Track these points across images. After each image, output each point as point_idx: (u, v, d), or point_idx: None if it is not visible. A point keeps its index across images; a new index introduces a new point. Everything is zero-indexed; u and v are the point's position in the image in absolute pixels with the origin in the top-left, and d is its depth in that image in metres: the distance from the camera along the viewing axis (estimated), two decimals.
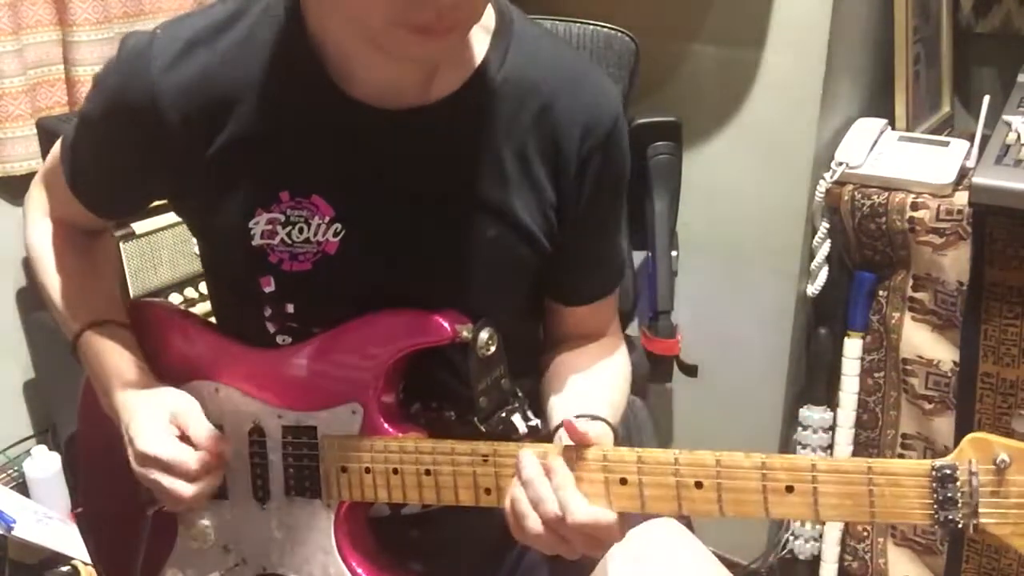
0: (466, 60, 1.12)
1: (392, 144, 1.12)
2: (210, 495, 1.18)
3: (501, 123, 1.14)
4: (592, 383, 1.24)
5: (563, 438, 1.07)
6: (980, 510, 0.94)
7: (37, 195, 1.34)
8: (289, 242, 1.14)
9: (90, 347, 1.24)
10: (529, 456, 1.06)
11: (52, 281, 1.29)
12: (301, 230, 1.14)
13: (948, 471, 0.95)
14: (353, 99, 1.10)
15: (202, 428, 1.17)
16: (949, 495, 0.95)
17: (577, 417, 1.11)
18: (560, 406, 1.19)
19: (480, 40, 1.13)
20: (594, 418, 1.13)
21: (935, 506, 0.95)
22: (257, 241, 1.15)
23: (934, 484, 0.95)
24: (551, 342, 1.32)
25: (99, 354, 1.24)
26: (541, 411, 1.23)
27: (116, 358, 1.23)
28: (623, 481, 1.04)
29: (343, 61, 1.09)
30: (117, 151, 1.18)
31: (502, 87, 1.13)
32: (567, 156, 1.15)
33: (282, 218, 1.14)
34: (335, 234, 1.14)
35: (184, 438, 1.16)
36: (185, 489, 1.14)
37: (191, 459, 1.14)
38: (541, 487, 1.03)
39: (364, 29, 1.01)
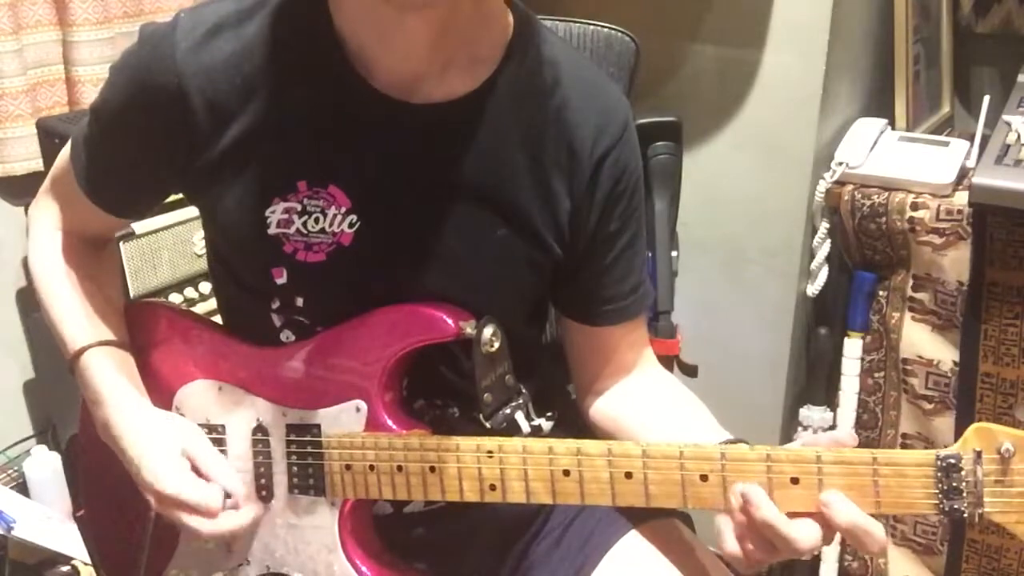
0: (485, 60, 1.13)
1: (411, 138, 1.12)
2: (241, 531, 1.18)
3: (517, 124, 1.14)
4: (694, 412, 1.25)
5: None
6: (985, 499, 0.95)
7: (43, 206, 1.32)
8: (305, 232, 1.14)
9: (87, 371, 1.23)
10: (760, 494, 1.00)
11: (52, 299, 1.27)
12: (317, 220, 1.14)
13: (952, 460, 0.95)
14: (375, 90, 1.10)
15: (218, 463, 1.17)
16: (954, 484, 0.95)
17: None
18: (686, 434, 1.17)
19: (500, 42, 1.14)
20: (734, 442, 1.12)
21: (940, 496, 0.96)
22: (273, 230, 1.14)
23: (939, 474, 0.96)
24: (587, 381, 1.31)
25: (94, 380, 1.22)
26: (542, 413, 1.24)
27: (117, 384, 1.21)
28: (628, 475, 1.04)
29: (364, 52, 1.10)
30: (137, 137, 1.16)
31: (519, 89, 1.14)
32: (581, 157, 1.16)
33: (299, 207, 1.13)
34: (350, 225, 1.13)
35: (195, 470, 1.16)
36: (204, 527, 1.14)
37: (215, 500, 1.14)
38: (788, 526, 0.98)
39: None
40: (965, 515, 0.96)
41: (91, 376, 1.22)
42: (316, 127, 1.12)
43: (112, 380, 1.21)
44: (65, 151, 1.27)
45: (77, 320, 1.25)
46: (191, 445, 1.17)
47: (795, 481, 0.99)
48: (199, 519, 1.13)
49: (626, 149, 1.19)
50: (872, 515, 0.98)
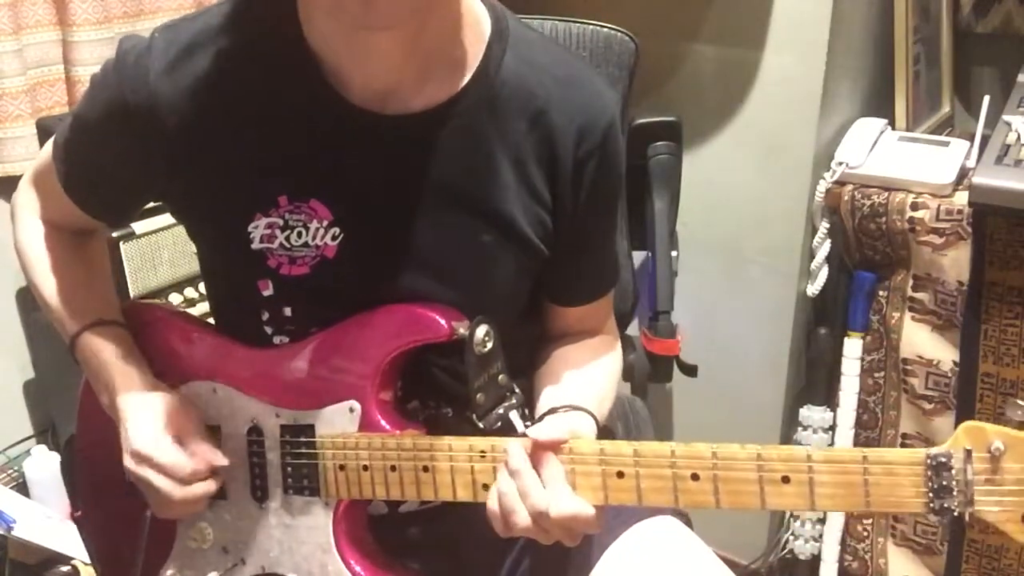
0: (463, 65, 1.13)
1: (390, 149, 1.12)
2: (202, 505, 1.19)
3: (497, 128, 1.14)
4: (581, 376, 1.25)
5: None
6: (975, 498, 0.95)
7: (26, 196, 1.34)
8: (288, 246, 1.15)
9: (89, 348, 1.24)
10: (516, 446, 1.07)
11: (46, 283, 1.29)
12: (300, 234, 1.14)
13: (943, 459, 0.95)
14: (351, 104, 1.11)
15: (199, 437, 1.18)
16: (944, 483, 0.95)
17: (560, 408, 1.14)
18: (548, 397, 1.20)
19: (476, 45, 1.14)
20: (576, 408, 1.15)
21: (930, 494, 0.96)
22: (256, 245, 1.15)
23: (929, 472, 0.96)
24: (547, 338, 1.33)
25: (99, 355, 1.23)
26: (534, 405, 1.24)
27: (116, 359, 1.23)
28: (620, 474, 1.05)
29: (338, 66, 1.10)
30: (114, 155, 1.18)
31: (498, 92, 1.14)
32: (563, 159, 1.16)
33: (281, 222, 1.14)
34: (333, 238, 1.14)
35: (180, 443, 1.16)
36: (175, 491, 1.14)
37: (184, 464, 1.14)
38: (528, 478, 1.05)
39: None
40: (955, 513, 0.96)
41: (92, 355, 1.24)
42: (294, 142, 1.13)
43: (113, 357, 1.23)
44: (48, 147, 1.27)
45: (72, 303, 1.27)
46: (179, 417, 1.18)
47: (786, 480, 1.00)
48: (169, 482, 1.14)
49: (609, 150, 1.18)
50: (862, 513, 0.99)
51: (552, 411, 1.15)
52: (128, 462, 1.16)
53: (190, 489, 1.15)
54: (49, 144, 1.27)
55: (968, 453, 0.95)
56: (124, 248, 1.98)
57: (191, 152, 1.13)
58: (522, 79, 1.14)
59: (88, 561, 1.99)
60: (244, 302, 1.19)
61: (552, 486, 1.05)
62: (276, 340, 1.20)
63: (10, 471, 2.28)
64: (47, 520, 2.15)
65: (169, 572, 1.27)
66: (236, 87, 1.12)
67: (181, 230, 1.99)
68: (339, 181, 1.13)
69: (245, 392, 1.20)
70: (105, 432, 1.23)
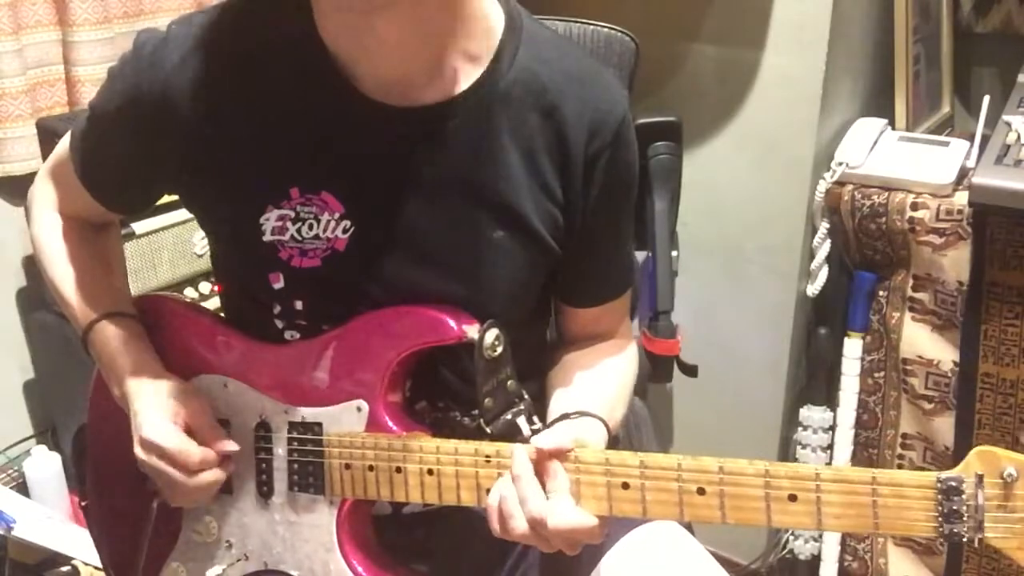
0: (475, 59, 1.13)
1: (401, 142, 1.12)
2: (213, 493, 1.19)
3: (510, 123, 1.14)
4: (593, 380, 1.25)
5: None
6: (985, 524, 0.93)
7: (43, 189, 1.34)
8: (299, 238, 1.15)
9: (102, 339, 1.25)
10: (521, 452, 1.06)
11: (62, 273, 1.30)
12: (311, 226, 1.14)
13: (954, 484, 0.93)
14: (363, 96, 1.11)
15: (208, 426, 1.18)
16: (954, 508, 0.93)
17: (571, 413, 1.14)
18: (559, 402, 1.20)
19: (489, 40, 1.14)
20: (586, 414, 1.15)
21: (939, 519, 0.94)
22: (267, 237, 1.15)
23: (939, 496, 0.94)
24: (561, 341, 1.33)
25: (111, 345, 1.24)
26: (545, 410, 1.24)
27: (129, 348, 1.23)
28: (625, 485, 1.04)
29: (349, 58, 1.10)
30: (129, 146, 1.18)
31: (511, 87, 1.14)
32: (574, 156, 1.16)
33: (292, 214, 1.14)
34: (344, 231, 1.14)
35: (190, 433, 1.16)
36: (184, 480, 1.15)
37: (193, 453, 1.14)
38: (529, 485, 1.04)
39: None
40: (965, 539, 0.94)
41: (104, 346, 1.24)
42: (307, 134, 1.13)
43: (125, 348, 1.24)
44: (66, 139, 1.28)
45: (86, 295, 1.28)
46: (188, 406, 1.18)
47: (793, 498, 0.98)
48: (178, 471, 1.14)
49: (621, 147, 1.19)
50: (870, 534, 0.97)
51: (562, 417, 1.15)
52: (138, 451, 1.16)
53: (199, 478, 1.15)
54: (66, 137, 1.28)
55: (980, 478, 0.93)
56: (124, 248, 1.98)
57: (204, 144, 1.13)
58: (534, 74, 1.14)
59: (88, 560, 2.00)
60: (255, 295, 1.20)
61: (554, 497, 1.04)
62: (287, 335, 1.21)
63: (10, 471, 2.28)
64: (47, 520, 2.15)
65: (173, 565, 1.28)
66: (250, 80, 1.12)
67: (181, 230, 2.03)
68: (350, 173, 1.14)
69: (255, 388, 1.21)
70: (116, 423, 1.24)
